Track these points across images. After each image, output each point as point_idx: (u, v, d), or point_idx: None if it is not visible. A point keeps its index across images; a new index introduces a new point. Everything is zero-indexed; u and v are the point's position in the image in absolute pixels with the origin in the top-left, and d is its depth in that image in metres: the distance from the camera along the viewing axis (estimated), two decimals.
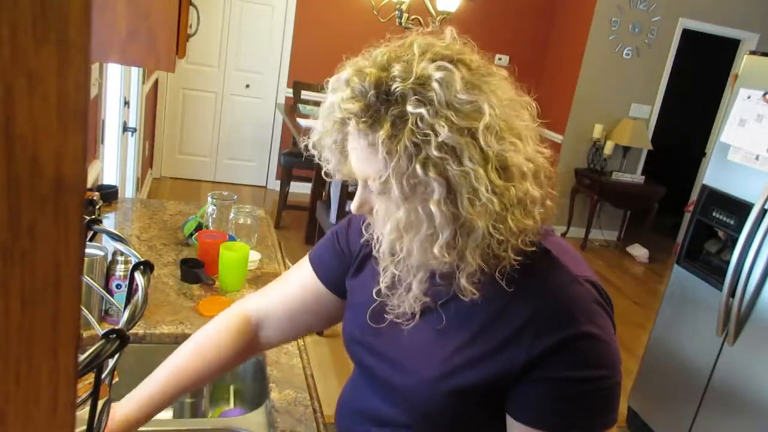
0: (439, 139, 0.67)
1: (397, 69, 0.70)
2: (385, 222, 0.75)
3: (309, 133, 0.84)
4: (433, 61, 0.70)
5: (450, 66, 0.70)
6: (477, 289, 0.75)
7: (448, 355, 0.81)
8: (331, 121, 0.75)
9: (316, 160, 0.83)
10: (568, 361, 0.74)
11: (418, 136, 0.68)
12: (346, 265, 0.98)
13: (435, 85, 0.68)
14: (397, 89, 0.69)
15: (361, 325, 0.92)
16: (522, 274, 0.76)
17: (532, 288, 0.77)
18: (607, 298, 0.80)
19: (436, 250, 0.72)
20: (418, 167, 0.68)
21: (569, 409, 0.75)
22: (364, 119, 0.70)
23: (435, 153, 0.68)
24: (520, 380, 0.76)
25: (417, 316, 0.84)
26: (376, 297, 0.88)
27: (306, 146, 0.83)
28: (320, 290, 1.01)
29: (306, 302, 1.02)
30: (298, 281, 1.03)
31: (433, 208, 0.70)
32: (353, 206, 0.82)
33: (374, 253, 0.85)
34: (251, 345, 1.03)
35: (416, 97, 0.68)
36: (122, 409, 0.91)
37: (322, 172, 0.86)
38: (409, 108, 0.68)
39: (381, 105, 0.70)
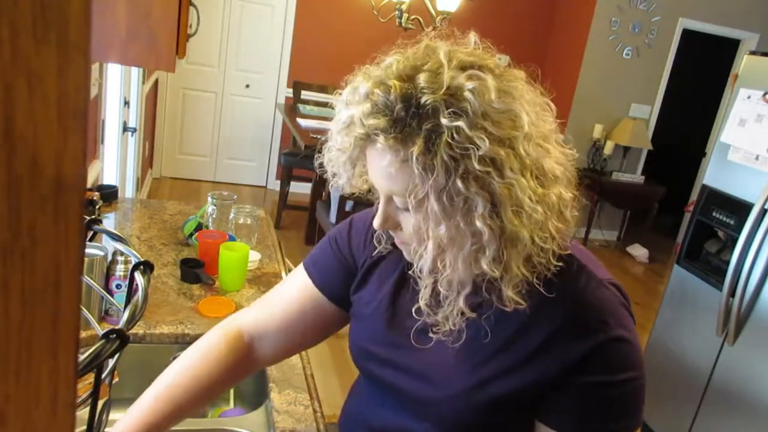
0: (480, 153, 0.64)
1: (423, 79, 0.67)
2: (422, 239, 0.73)
3: (320, 148, 0.81)
4: (462, 69, 0.68)
5: (481, 74, 0.67)
6: (523, 299, 0.73)
7: (481, 365, 0.79)
8: (352, 137, 0.71)
9: (326, 176, 0.81)
10: (601, 366, 0.73)
11: (457, 150, 0.65)
12: (349, 272, 0.93)
13: (468, 95, 0.65)
14: (428, 102, 0.65)
15: (373, 338, 0.88)
16: (554, 280, 0.74)
17: (563, 294, 0.75)
18: (627, 299, 0.81)
19: (484, 265, 0.70)
20: (459, 182, 0.65)
21: (603, 413, 0.75)
22: (393, 135, 0.67)
23: (476, 166, 0.65)
24: (554, 387, 0.75)
25: (464, 333, 0.80)
26: (416, 316, 0.83)
27: (320, 164, 0.81)
28: (318, 300, 0.95)
29: (303, 315, 0.95)
30: (294, 293, 0.97)
31: (478, 223, 0.67)
32: (376, 222, 0.78)
33: (412, 271, 0.82)
34: (245, 364, 0.97)
35: (450, 109, 0.65)
36: None
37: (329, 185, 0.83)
38: (444, 121, 0.65)
39: (411, 119, 0.66)
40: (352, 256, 0.94)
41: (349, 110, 0.71)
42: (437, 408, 0.82)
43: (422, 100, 0.66)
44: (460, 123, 0.64)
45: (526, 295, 0.74)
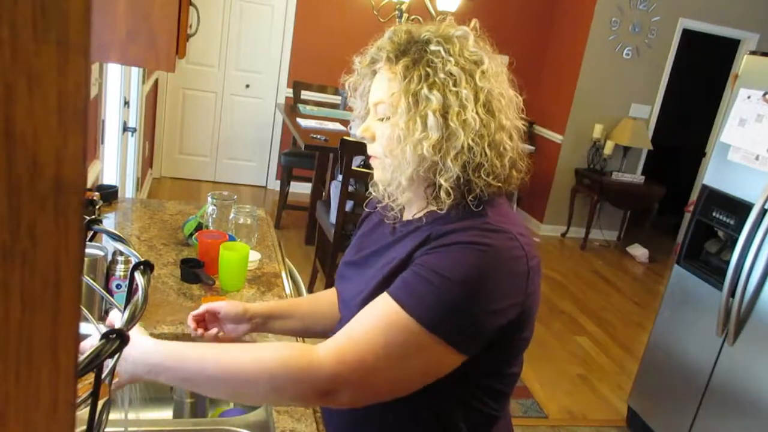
0: (446, 68, 0.88)
1: (426, 28, 0.93)
2: (387, 138, 0.94)
3: (348, 77, 1.04)
4: (454, 26, 0.95)
5: (468, 30, 0.94)
6: (450, 201, 0.90)
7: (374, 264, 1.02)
8: (367, 61, 0.97)
9: (348, 102, 1.06)
10: (434, 252, 0.88)
11: (431, 65, 0.89)
12: None
13: (454, 39, 0.91)
14: (425, 37, 0.91)
15: (344, 259, 1.13)
16: (457, 209, 0.92)
17: (453, 220, 0.91)
18: (526, 249, 0.90)
19: (425, 148, 0.88)
20: (425, 86, 0.88)
21: (408, 284, 0.87)
22: (393, 53, 0.92)
23: (441, 77, 0.88)
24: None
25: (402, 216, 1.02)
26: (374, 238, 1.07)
27: (343, 84, 1.04)
28: None
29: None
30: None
31: (429, 114, 0.88)
32: (359, 130, 0.99)
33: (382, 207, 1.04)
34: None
35: (438, 40, 0.90)
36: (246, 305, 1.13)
37: (349, 126, 1.09)
38: (431, 47, 0.90)
39: (410, 46, 0.92)
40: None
41: (370, 48, 0.97)
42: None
43: (421, 36, 0.92)
44: (439, 49, 0.90)
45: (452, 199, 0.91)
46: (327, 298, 1.20)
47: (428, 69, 0.89)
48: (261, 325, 1.15)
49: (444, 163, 0.89)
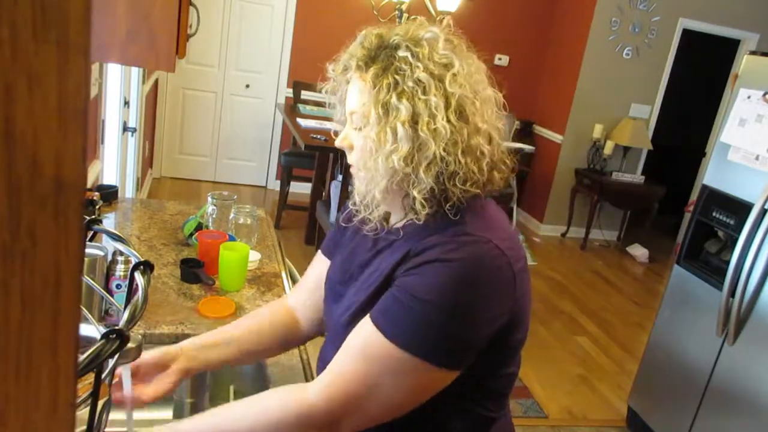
0: (415, 76, 0.85)
1: (397, 31, 0.90)
2: (360, 150, 0.92)
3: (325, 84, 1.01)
4: (425, 28, 0.90)
5: (438, 31, 0.89)
6: (426, 211, 0.88)
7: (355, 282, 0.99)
8: (339, 68, 0.94)
9: (328, 107, 1.03)
10: (411, 276, 0.86)
11: (399, 72, 0.86)
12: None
13: (423, 41, 0.87)
14: (395, 41, 0.88)
15: (331, 276, 1.10)
16: (436, 218, 0.89)
17: (432, 230, 0.89)
18: (508, 255, 0.86)
19: (396, 161, 0.86)
20: (394, 95, 0.85)
21: (389, 310, 0.86)
22: (363, 61, 0.89)
23: (409, 85, 0.85)
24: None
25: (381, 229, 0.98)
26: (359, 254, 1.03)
27: (322, 90, 1.01)
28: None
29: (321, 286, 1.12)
30: (317, 275, 1.14)
31: (398, 125, 0.85)
32: (338, 141, 0.97)
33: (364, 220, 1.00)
34: (293, 336, 1.16)
35: (407, 44, 0.87)
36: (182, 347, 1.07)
37: (332, 133, 1.05)
38: (399, 53, 0.86)
39: (379, 51, 0.88)
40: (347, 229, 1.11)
41: (346, 52, 0.93)
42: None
43: (390, 41, 0.88)
44: (407, 54, 0.86)
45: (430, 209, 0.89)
46: (265, 319, 1.15)
47: (397, 77, 0.86)
48: (194, 359, 1.06)
49: (416, 175, 0.86)
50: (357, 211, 1.00)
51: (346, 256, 1.05)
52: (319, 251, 1.18)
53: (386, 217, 0.99)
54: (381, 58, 0.88)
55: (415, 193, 0.88)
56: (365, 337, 0.86)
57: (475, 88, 0.88)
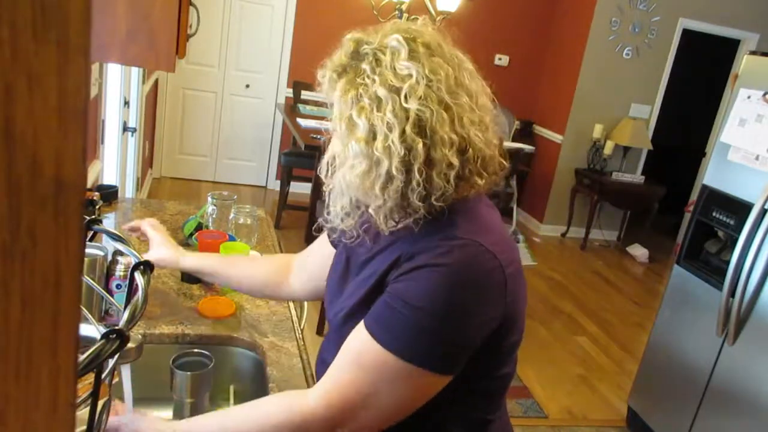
0: (372, 90, 0.82)
1: (374, 36, 0.87)
2: (325, 160, 0.93)
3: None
4: (395, 34, 0.85)
5: (402, 40, 0.84)
6: (389, 224, 0.88)
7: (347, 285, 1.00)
8: (325, 75, 0.91)
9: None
10: (403, 283, 0.85)
11: (361, 85, 0.84)
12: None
13: (388, 50, 0.84)
14: (364, 50, 0.85)
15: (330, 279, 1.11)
16: (421, 224, 0.88)
17: (420, 234, 0.88)
18: (499, 259, 0.85)
19: (354, 178, 0.85)
20: (354, 111, 0.84)
21: (381, 316, 0.86)
22: (338, 70, 0.87)
23: (367, 101, 0.83)
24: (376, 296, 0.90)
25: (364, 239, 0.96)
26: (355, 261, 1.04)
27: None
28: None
29: (323, 263, 1.15)
30: (320, 249, 1.19)
31: (354, 143, 0.84)
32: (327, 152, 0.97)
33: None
34: (279, 284, 1.26)
35: (373, 56, 0.84)
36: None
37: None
38: (362, 65, 0.84)
39: (353, 60, 0.86)
40: None
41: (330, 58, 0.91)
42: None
43: (361, 49, 0.86)
44: (368, 67, 0.84)
45: (398, 223, 0.89)
46: (266, 264, 1.29)
47: (360, 90, 0.84)
48: (186, 267, 1.32)
49: (372, 192, 0.85)
50: (326, 221, 0.98)
51: (346, 256, 1.05)
52: (326, 237, 1.18)
53: (365, 227, 0.95)
54: (351, 68, 0.86)
55: (371, 211, 0.87)
56: (360, 345, 0.87)
57: (442, 97, 0.83)
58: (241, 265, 1.32)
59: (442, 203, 0.85)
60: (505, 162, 0.92)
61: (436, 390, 0.86)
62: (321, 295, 1.20)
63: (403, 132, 0.82)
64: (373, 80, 0.83)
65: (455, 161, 0.84)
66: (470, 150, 0.85)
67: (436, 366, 0.84)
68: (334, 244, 1.14)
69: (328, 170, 0.93)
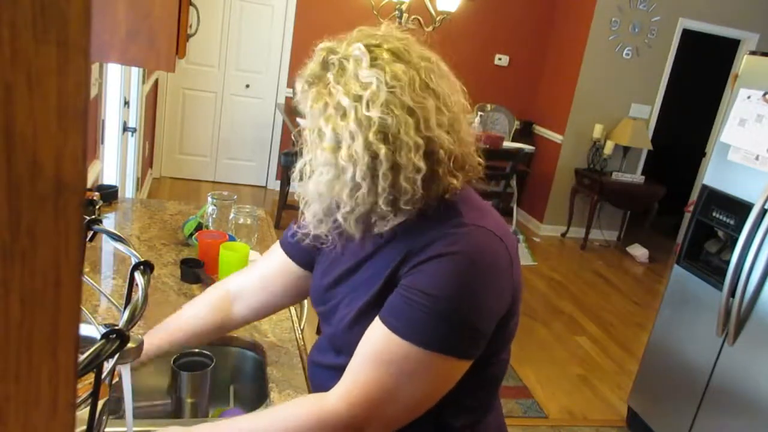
0: (336, 99, 0.84)
1: (344, 44, 0.87)
2: (298, 168, 0.93)
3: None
4: (359, 42, 0.86)
5: (364, 48, 0.85)
6: (360, 229, 0.90)
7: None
8: (301, 83, 0.91)
9: None
10: (417, 275, 0.86)
11: (328, 95, 0.85)
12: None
13: (351, 59, 0.85)
14: (332, 59, 0.86)
15: (323, 275, 1.09)
16: (417, 219, 0.89)
17: (422, 228, 0.89)
18: (506, 241, 0.89)
19: (322, 187, 0.87)
20: (322, 120, 0.85)
21: (397, 309, 0.86)
22: (309, 80, 0.88)
23: (332, 110, 0.84)
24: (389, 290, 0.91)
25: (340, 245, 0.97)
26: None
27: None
28: (295, 271, 1.13)
29: (284, 284, 1.14)
30: (273, 268, 1.15)
31: (320, 152, 0.86)
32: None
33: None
34: (226, 319, 1.18)
35: (339, 65, 0.85)
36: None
37: None
38: (329, 74, 0.86)
39: (322, 69, 0.87)
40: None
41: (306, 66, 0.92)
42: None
43: (329, 59, 0.86)
44: (332, 77, 0.85)
45: (371, 227, 0.91)
46: (203, 309, 1.18)
47: (327, 99, 0.85)
48: (157, 349, 1.14)
49: (341, 198, 0.87)
50: (304, 227, 0.97)
51: (329, 265, 1.04)
52: (279, 246, 1.16)
53: (340, 231, 0.94)
54: (320, 78, 0.87)
55: (339, 216, 0.89)
56: (379, 342, 0.87)
57: (405, 102, 0.83)
58: (185, 328, 1.19)
59: (411, 207, 0.87)
60: (481, 160, 0.94)
61: (458, 376, 0.88)
62: (270, 312, 1.21)
63: (366, 139, 0.82)
64: (338, 90, 0.84)
65: (422, 165, 0.84)
66: (440, 151, 0.86)
67: (459, 351, 0.85)
68: (291, 254, 1.13)
69: (301, 177, 0.93)
